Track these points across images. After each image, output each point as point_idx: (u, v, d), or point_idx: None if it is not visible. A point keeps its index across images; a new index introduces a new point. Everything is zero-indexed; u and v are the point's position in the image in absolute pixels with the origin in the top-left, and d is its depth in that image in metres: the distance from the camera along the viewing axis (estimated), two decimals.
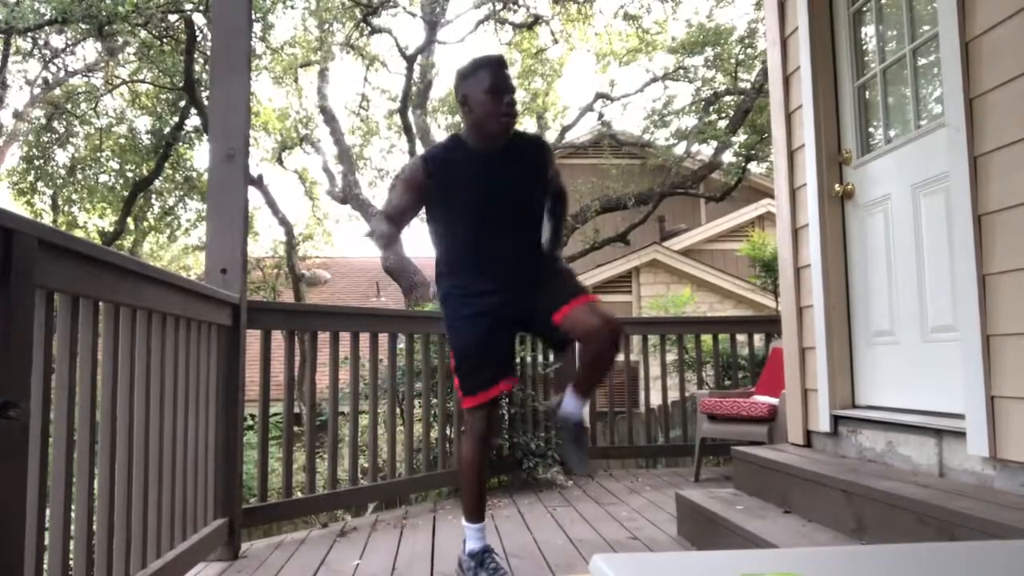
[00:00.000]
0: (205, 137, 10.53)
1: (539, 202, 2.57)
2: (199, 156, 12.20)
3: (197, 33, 9.65)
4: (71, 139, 12.18)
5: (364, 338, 3.71)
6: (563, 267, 2.62)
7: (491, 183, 2.44)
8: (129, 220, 12.12)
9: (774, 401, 3.99)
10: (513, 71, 13.58)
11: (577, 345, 2.58)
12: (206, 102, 9.18)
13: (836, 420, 2.98)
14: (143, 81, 11.83)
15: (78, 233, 11.58)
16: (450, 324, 2.55)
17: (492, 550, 2.56)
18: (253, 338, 3.14)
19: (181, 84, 10.10)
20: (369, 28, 11.75)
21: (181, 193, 12.68)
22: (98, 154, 12.12)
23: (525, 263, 2.51)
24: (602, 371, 2.45)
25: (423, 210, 2.56)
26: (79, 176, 12.25)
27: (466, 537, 2.58)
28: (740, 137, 12.01)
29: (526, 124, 13.93)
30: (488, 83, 2.37)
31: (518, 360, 4.50)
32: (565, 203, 2.70)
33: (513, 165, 2.46)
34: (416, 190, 2.48)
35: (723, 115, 12.55)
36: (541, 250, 2.58)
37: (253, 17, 4.85)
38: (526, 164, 2.50)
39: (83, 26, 9.34)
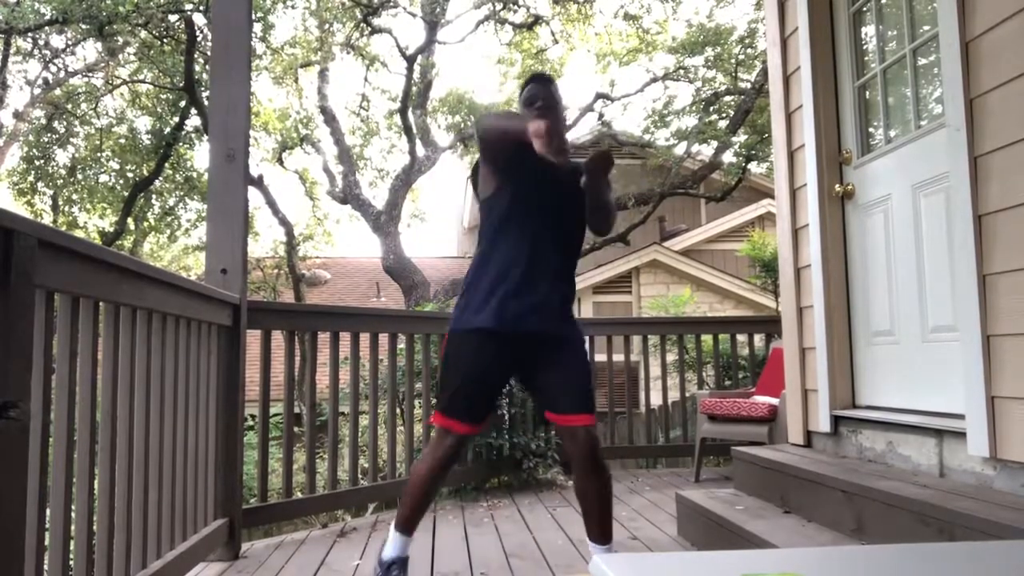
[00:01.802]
0: (205, 137, 10.54)
1: (580, 232, 2.47)
2: (199, 156, 12.21)
3: (197, 33, 9.65)
4: (71, 139, 12.18)
5: (364, 338, 3.71)
6: (583, 350, 2.45)
7: (554, 186, 2.38)
8: (129, 220, 12.12)
9: (774, 401, 3.99)
10: (513, 71, 13.61)
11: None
12: (206, 102, 9.19)
13: (836, 420, 2.98)
14: (143, 81, 11.83)
15: (78, 233, 11.58)
16: (451, 341, 2.41)
17: (405, 561, 2.39)
18: (253, 338, 3.14)
19: (181, 84, 10.10)
20: (369, 28, 11.75)
21: (181, 193, 12.68)
22: (98, 154, 12.12)
23: (552, 285, 2.36)
24: (597, 506, 2.30)
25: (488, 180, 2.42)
26: (79, 176, 12.24)
27: (387, 540, 2.42)
28: (740, 137, 12.01)
29: None
30: (526, 96, 2.41)
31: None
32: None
33: (573, 185, 2.35)
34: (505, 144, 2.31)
35: (723, 115, 12.55)
36: (570, 280, 2.46)
37: (253, 17, 4.85)
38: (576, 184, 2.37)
39: (83, 26, 9.34)
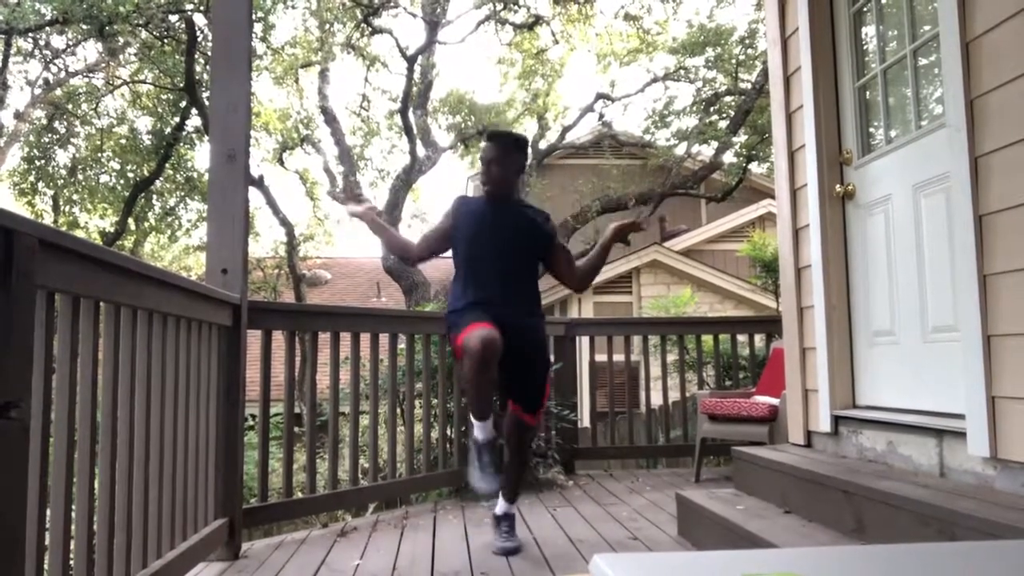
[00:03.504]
0: (206, 137, 10.53)
1: (538, 259, 3.05)
2: (200, 156, 12.21)
3: (198, 33, 9.65)
4: (72, 139, 12.18)
5: (364, 338, 3.71)
6: (546, 357, 3.12)
7: (503, 232, 2.95)
8: (130, 220, 12.11)
9: (774, 401, 3.99)
10: (513, 71, 13.61)
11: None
12: (207, 102, 9.19)
13: (837, 420, 2.98)
14: (144, 82, 11.84)
15: (79, 233, 11.57)
16: (453, 327, 2.91)
17: (493, 442, 2.82)
18: (254, 338, 3.14)
19: (182, 84, 10.11)
20: (370, 28, 11.75)
21: (182, 193, 12.67)
22: (99, 154, 12.12)
23: (517, 303, 2.97)
24: (516, 471, 3.09)
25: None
26: (80, 176, 12.25)
27: (473, 427, 2.87)
28: (741, 137, 12.01)
29: (527, 125, 13.96)
30: (481, 153, 3.02)
31: None
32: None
33: (522, 224, 2.99)
34: (446, 228, 3.06)
35: (724, 115, 12.55)
36: (533, 297, 3.04)
37: (253, 17, 4.85)
38: (534, 228, 3.01)
39: (84, 26, 9.34)
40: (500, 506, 3.07)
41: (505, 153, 2.98)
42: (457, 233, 3.01)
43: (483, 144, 3.04)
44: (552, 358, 3.03)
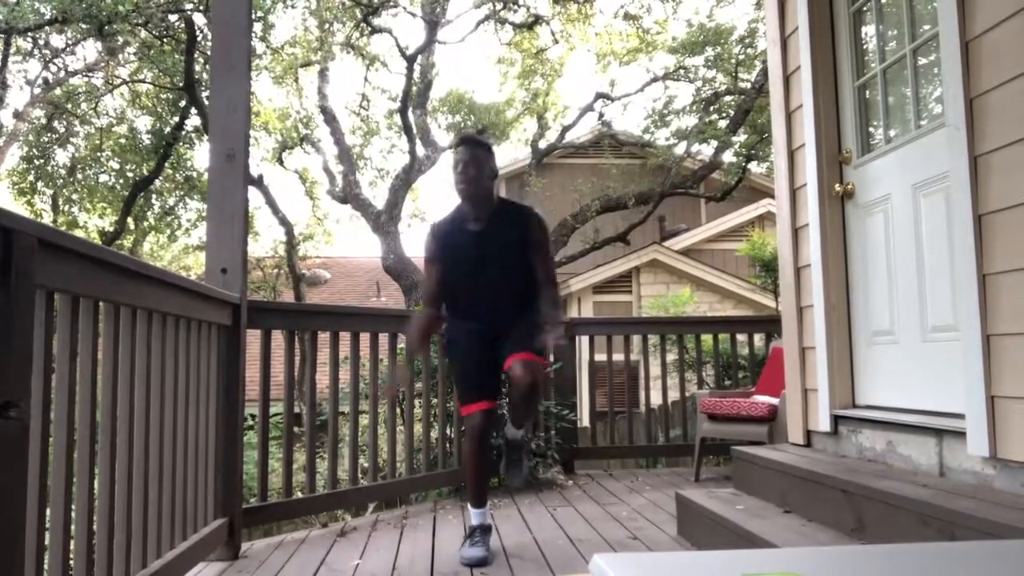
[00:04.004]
0: (205, 137, 10.53)
1: (526, 263, 2.97)
2: (199, 156, 12.20)
3: (197, 33, 9.64)
4: (71, 139, 12.17)
5: (364, 338, 3.71)
6: (537, 319, 2.95)
7: (480, 251, 2.92)
8: (129, 220, 12.10)
9: (774, 401, 3.99)
10: (513, 71, 13.61)
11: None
12: (206, 102, 9.18)
13: (836, 420, 2.98)
14: (143, 81, 11.82)
15: (78, 233, 11.57)
16: (451, 356, 3.14)
17: (486, 529, 2.93)
18: (253, 338, 3.14)
19: (181, 84, 10.09)
20: (369, 28, 11.74)
21: (181, 193, 12.66)
22: (98, 154, 12.11)
23: (510, 311, 2.97)
24: (524, 409, 3.01)
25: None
26: (79, 176, 12.23)
27: (470, 514, 3.00)
28: (740, 137, 12.01)
29: (526, 124, 13.95)
30: (452, 160, 2.97)
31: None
32: (548, 282, 3.02)
33: (500, 234, 2.93)
34: (434, 261, 3.03)
35: (723, 115, 12.55)
36: (526, 299, 2.98)
37: (253, 17, 4.85)
38: (514, 232, 2.95)
39: (83, 26, 9.33)
40: (510, 430, 3.10)
41: (476, 155, 2.94)
42: (442, 263, 2.99)
43: (456, 150, 3.00)
44: (550, 342, 2.96)
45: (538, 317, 2.94)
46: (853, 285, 3.01)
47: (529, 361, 2.84)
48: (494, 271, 2.93)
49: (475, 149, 2.95)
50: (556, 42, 12.66)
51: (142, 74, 11.72)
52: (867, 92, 3.00)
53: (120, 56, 11.37)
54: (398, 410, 4.32)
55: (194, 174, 12.05)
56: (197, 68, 9.90)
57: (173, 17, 9.81)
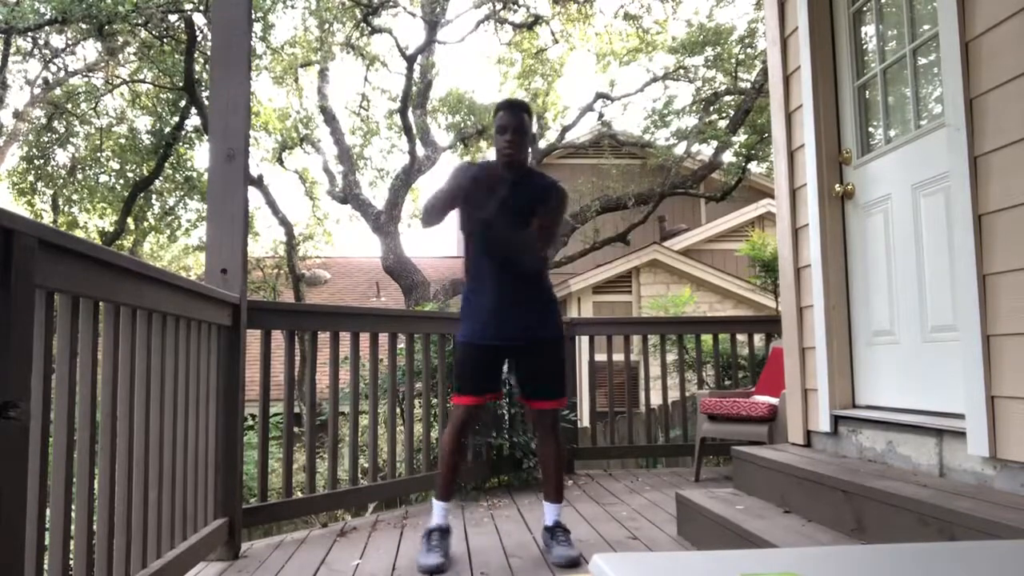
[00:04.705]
0: (205, 137, 10.53)
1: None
2: (199, 156, 12.21)
3: (197, 33, 9.65)
4: (71, 139, 12.17)
5: (364, 338, 3.71)
6: (559, 344, 2.99)
7: (504, 202, 2.83)
8: (129, 220, 12.11)
9: (774, 401, 3.99)
10: (513, 71, 13.61)
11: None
12: (206, 102, 9.18)
13: (836, 420, 2.98)
14: (143, 81, 11.83)
15: (78, 233, 11.57)
16: (457, 345, 3.02)
17: (444, 530, 2.86)
18: (253, 338, 3.14)
19: (181, 84, 10.10)
20: (369, 28, 11.75)
21: (181, 193, 12.67)
22: (98, 154, 12.11)
23: (517, 283, 2.90)
24: (556, 479, 2.98)
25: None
26: (79, 176, 12.24)
27: (432, 511, 2.93)
28: (740, 137, 12.02)
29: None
30: (497, 124, 2.89)
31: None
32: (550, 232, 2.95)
33: (524, 196, 2.86)
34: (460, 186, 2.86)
35: (723, 115, 12.56)
36: (541, 282, 2.97)
37: (253, 17, 4.85)
38: (538, 195, 2.89)
39: (83, 26, 9.34)
40: (549, 512, 2.95)
41: (523, 121, 2.89)
42: (466, 198, 2.86)
43: (500, 113, 2.91)
44: (563, 340, 3.01)
45: (552, 312, 2.98)
46: (853, 285, 3.01)
47: (558, 411, 2.98)
48: (509, 225, 2.84)
49: (521, 114, 2.89)
50: (556, 42, 12.67)
51: (142, 74, 11.73)
52: (867, 92, 3.00)
53: (120, 56, 11.38)
54: (398, 410, 4.32)
55: (194, 174, 12.06)
56: (197, 68, 9.91)
57: (173, 17, 9.81)
